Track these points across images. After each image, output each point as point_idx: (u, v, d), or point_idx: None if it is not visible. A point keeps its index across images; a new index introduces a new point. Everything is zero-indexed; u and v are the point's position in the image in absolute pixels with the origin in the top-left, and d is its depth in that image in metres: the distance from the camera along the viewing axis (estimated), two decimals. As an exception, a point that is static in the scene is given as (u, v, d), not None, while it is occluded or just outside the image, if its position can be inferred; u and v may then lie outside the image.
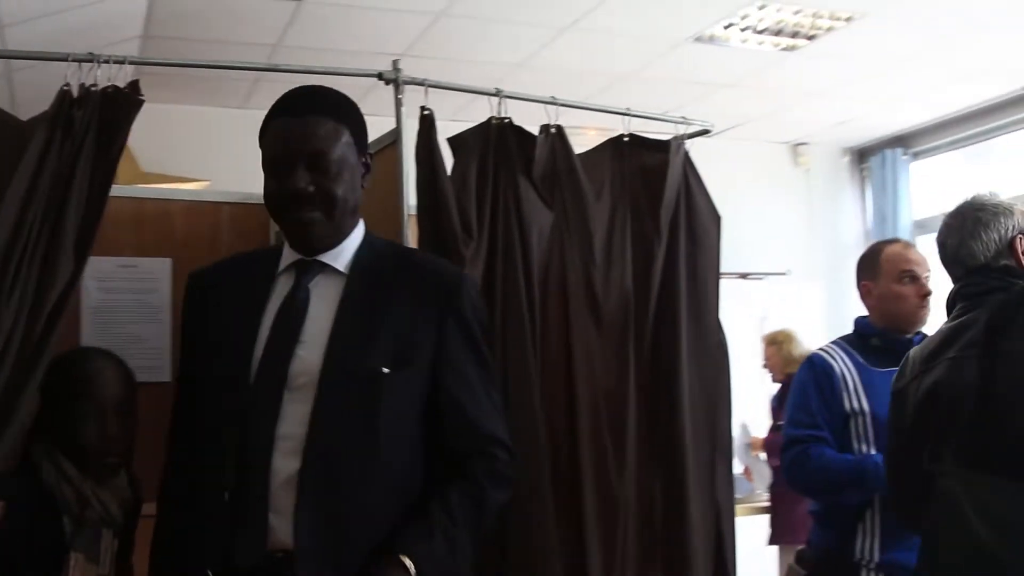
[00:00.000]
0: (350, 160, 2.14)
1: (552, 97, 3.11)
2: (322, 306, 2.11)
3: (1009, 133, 7.12)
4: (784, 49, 5.83)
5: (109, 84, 2.45)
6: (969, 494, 2.24)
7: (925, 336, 2.93)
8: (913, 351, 2.65)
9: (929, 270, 3.29)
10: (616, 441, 3.16)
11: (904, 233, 7.50)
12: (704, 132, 3.52)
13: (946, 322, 2.57)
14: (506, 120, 2.96)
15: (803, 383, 3.28)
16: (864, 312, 3.38)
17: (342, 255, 2.18)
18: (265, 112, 2.15)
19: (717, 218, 3.49)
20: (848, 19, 5.45)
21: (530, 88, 3.35)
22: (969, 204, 2.62)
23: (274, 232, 3.30)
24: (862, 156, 8.16)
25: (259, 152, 2.13)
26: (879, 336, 3.27)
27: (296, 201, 2.08)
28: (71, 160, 2.38)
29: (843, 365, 3.24)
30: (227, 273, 2.27)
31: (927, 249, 7.29)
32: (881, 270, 3.31)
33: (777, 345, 6.10)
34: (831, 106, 7.04)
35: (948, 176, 7.65)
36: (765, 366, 6.18)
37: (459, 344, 2.17)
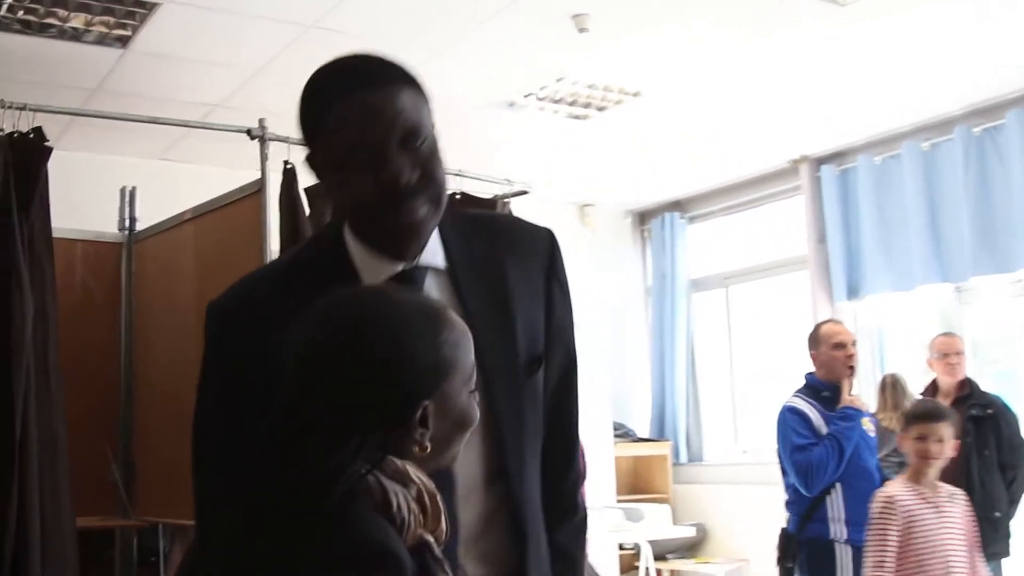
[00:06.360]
0: (435, 134, 1.67)
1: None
2: None
3: (777, 202, 7.79)
4: (576, 118, 6.30)
5: (14, 130, 2.62)
6: None
7: None
8: None
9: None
10: None
11: (681, 290, 8.11)
12: (524, 192, 3.92)
13: None
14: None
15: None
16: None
17: (434, 247, 1.72)
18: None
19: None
20: (635, 94, 5.98)
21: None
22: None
23: (125, 271, 3.50)
24: (643, 218, 8.68)
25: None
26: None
27: (402, 195, 1.60)
28: (2, 205, 2.49)
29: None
30: (280, 302, 1.63)
31: (706, 305, 7.98)
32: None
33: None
34: (616, 171, 7.54)
35: (720, 239, 8.22)
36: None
37: (565, 314, 1.86)
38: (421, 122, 1.62)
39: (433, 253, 1.71)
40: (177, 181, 5.26)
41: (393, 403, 1.36)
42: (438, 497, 1.41)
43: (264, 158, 3.12)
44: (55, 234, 3.67)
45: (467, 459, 1.60)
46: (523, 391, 1.73)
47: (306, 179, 3.17)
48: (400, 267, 1.67)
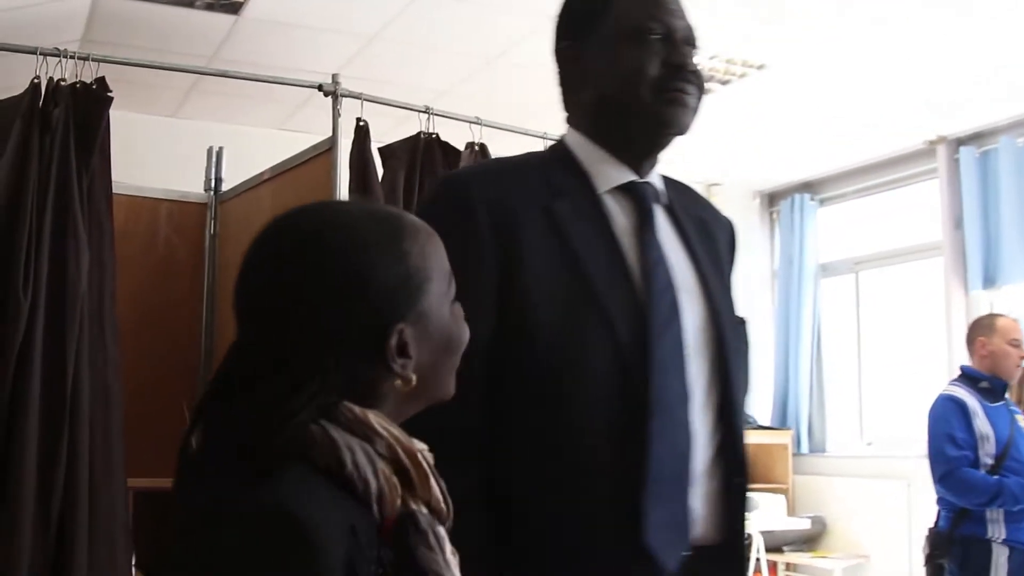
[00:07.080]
0: None
1: (477, 118, 3.33)
2: (665, 243, 1.68)
3: (911, 185, 7.43)
4: (699, 92, 6.09)
5: (77, 80, 2.59)
6: None
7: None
8: None
9: None
10: None
11: (809, 275, 7.82)
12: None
13: None
14: (434, 135, 3.17)
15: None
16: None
17: (658, 178, 1.77)
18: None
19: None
20: (760, 67, 5.74)
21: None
22: None
23: (210, 231, 3.48)
24: (772, 200, 8.42)
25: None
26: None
27: (684, 76, 1.67)
28: (61, 154, 2.48)
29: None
30: (516, 188, 1.65)
31: (834, 290, 7.66)
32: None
33: None
34: (744, 149, 7.28)
35: (852, 222, 7.91)
36: None
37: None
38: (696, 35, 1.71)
39: (659, 181, 1.76)
40: (289, 151, 5.28)
41: (358, 328, 1.13)
42: (421, 455, 1.15)
43: (336, 115, 3.05)
44: (143, 194, 3.70)
45: (698, 377, 1.62)
46: (741, 341, 1.75)
47: (379, 138, 3.10)
48: (632, 178, 1.71)
